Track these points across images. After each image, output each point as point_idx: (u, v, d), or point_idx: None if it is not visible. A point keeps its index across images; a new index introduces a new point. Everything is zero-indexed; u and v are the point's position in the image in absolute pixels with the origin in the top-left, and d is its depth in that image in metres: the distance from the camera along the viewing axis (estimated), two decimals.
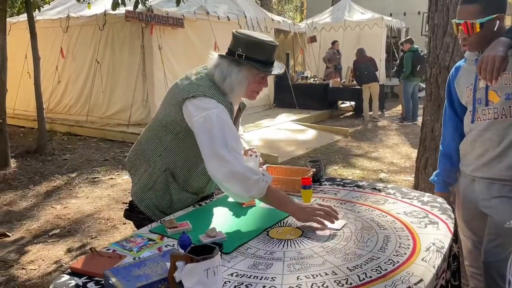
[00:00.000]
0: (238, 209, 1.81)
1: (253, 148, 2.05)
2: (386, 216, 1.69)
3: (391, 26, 12.95)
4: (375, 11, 13.31)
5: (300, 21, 17.55)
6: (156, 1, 7.72)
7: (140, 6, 5.66)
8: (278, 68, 1.79)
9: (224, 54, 1.76)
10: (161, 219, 1.63)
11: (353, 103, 9.87)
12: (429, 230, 1.56)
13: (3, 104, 5.01)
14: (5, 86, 5.09)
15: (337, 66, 10.65)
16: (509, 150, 1.72)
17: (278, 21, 10.32)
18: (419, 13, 15.05)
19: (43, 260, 2.99)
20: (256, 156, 1.95)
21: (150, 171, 1.80)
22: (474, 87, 1.75)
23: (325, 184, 2.12)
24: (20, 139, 6.84)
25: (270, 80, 10.05)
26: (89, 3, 6.77)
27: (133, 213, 1.89)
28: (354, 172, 5.31)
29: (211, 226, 1.55)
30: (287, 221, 1.66)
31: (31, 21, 5.82)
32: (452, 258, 1.67)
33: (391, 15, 14.20)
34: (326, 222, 1.60)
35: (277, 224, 1.63)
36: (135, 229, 1.87)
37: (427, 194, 1.94)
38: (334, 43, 10.68)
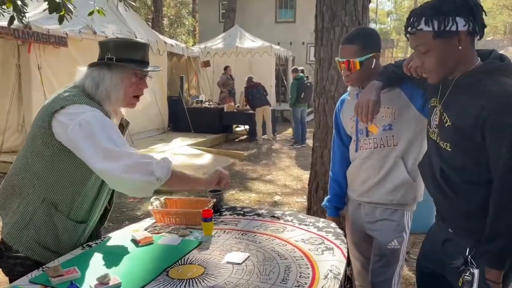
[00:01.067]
0: (134, 248, 1.68)
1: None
2: (286, 245, 1.71)
3: (279, 55, 13.71)
4: (264, 39, 14.00)
5: (193, 45, 17.65)
6: (35, 17, 7.10)
7: (16, 22, 5.15)
8: (154, 68, 1.73)
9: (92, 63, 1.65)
10: (43, 267, 1.43)
11: (247, 127, 10.13)
12: (326, 256, 1.62)
13: None
14: None
15: (231, 90, 10.88)
16: (388, 176, 1.89)
17: (171, 44, 10.22)
18: (303, 43, 16.20)
19: None
20: None
21: (25, 205, 1.59)
22: (356, 119, 1.91)
23: (225, 214, 2.10)
24: None
25: (164, 103, 9.87)
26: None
27: (1, 258, 1.63)
28: (250, 196, 5.40)
29: (103, 271, 1.41)
30: (188, 258, 1.59)
31: None
32: (346, 281, 1.76)
33: (279, 44, 15.05)
34: (227, 256, 1.58)
35: (177, 263, 1.55)
36: (5, 279, 1.62)
37: (321, 219, 2.03)
38: (226, 68, 10.93)
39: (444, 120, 1.43)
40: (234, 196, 5.34)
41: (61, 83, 7.31)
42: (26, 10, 5.46)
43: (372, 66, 1.83)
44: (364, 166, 1.95)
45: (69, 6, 5.22)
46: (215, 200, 2.08)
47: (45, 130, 1.54)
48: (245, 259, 1.57)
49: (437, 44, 1.33)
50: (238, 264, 1.54)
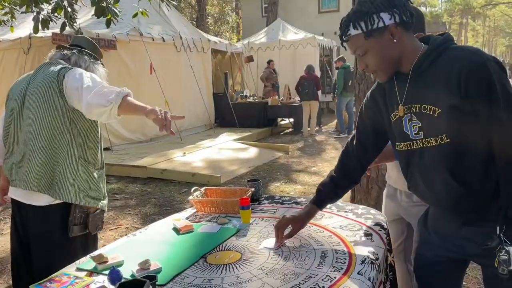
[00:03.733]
0: (175, 236, 1.74)
1: None
2: (323, 232, 1.70)
3: (323, 45, 13.51)
4: (307, 31, 13.84)
5: (237, 42, 17.81)
6: (86, 23, 7.48)
7: (67, 28, 5.45)
8: None
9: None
10: (90, 255, 1.53)
11: (292, 120, 10.09)
12: (364, 242, 1.59)
13: None
14: None
15: (274, 84, 10.87)
16: None
17: (214, 42, 10.38)
18: None
19: None
20: None
21: (67, 170, 1.89)
22: None
23: (264, 203, 2.12)
24: None
25: (210, 100, 10.06)
26: (12, 26, 6.40)
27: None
28: (295, 187, 5.39)
29: (145, 257, 1.48)
30: (226, 245, 1.62)
31: None
32: (389, 269, 1.72)
33: (322, 34, 14.82)
34: (264, 242, 1.60)
35: (215, 249, 1.59)
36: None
37: (361, 206, 1.99)
38: (269, 62, 10.93)
39: (426, 114, 1.33)
40: (279, 188, 5.35)
41: (111, 84, 7.66)
42: (76, 16, 5.78)
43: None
44: None
45: (115, 10, 5.46)
46: (253, 189, 2.11)
47: (59, 97, 1.89)
48: (281, 245, 1.58)
49: (372, 43, 1.34)
50: (275, 249, 1.55)
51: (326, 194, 1.69)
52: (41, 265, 1.85)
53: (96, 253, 1.53)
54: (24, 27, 7.44)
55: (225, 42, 11.22)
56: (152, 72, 8.01)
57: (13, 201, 1.97)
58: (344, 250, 1.52)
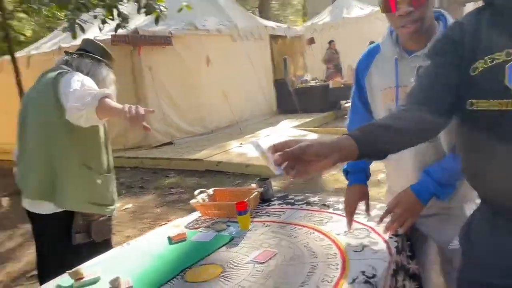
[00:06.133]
0: (164, 246, 1.64)
1: None
2: (323, 239, 1.49)
3: None
4: (375, 4, 12.98)
5: (302, 24, 17.34)
6: (144, 22, 7.70)
7: (121, 29, 5.63)
8: None
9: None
10: (68, 271, 1.48)
11: None
12: (365, 254, 1.35)
13: None
14: None
15: (337, 65, 10.39)
16: None
17: (272, 27, 10.16)
18: None
19: None
20: None
21: (68, 177, 1.88)
22: (397, 88, 1.40)
23: (274, 204, 1.94)
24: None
25: (270, 87, 9.91)
26: (74, 32, 6.79)
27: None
28: None
29: (123, 273, 1.40)
30: (212, 257, 1.48)
31: (12, 58, 5.85)
32: (412, 279, 1.46)
33: None
34: (252, 254, 1.43)
35: (197, 263, 1.45)
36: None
37: (378, 206, 1.72)
38: (330, 42, 10.46)
39: None
40: (334, 177, 5.07)
41: (169, 80, 7.85)
42: (128, 16, 5.95)
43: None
44: (417, 151, 1.39)
45: (161, 7, 5.51)
46: (261, 189, 1.93)
47: (54, 103, 1.86)
48: (270, 258, 1.40)
49: None
50: (261, 263, 1.38)
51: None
52: (48, 272, 1.86)
53: (74, 269, 1.48)
54: (88, 32, 7.86)
55: (283, 26, 10.94)
56: (209, 64, 8.06)
57: (26, 210, 2.01)
58: (337, 265, 1.30)
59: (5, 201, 5.30)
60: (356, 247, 1.40)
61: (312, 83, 10.16)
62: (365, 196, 1.60)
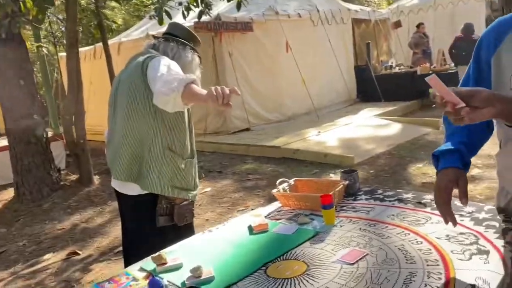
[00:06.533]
0: (245, 236, 1.58)
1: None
2: (421, 243, 1.33)
3: None
4: None
5: (387, 6, 16.44)
6: (225, 9, 7.76)
7: (204, 16, 5.72)
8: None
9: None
10: (152, 255, 1.48)
11: None
12: (474, 264, 1.18)
13: (83, 125, 5.38)
14: (83, 108, 5.47)
15: (426, 50, 9.68)
16: None
17: (355, 10, 9.72)
18: None
19: (102, 279, 3.06)
20: None
21: (154, 161, 1.89)
22: None
23: (361, 199, 1.79)
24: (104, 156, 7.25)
25: (350, 74, 9.53)
26: (161, 19, 7.03)
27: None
28: None
29: (204, 261, 1.36)
30: (295, 252, 1.39)
31: (105, 44, 6.20)
32: None
33: None
34: (340, 252, 1.32)
35: (280, 258, 1.37)
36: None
37: (487, 207, 1.51)
38: (419, 25, 9.73)
39: None
40: (420, 170, 4.72)
41: (250, 66, 7.86)
42: (211, 3, 6.01)
43: None
44: None
45: None
46: (346, 182, 1.80)
47: (143, 89, 1.86)
48: (359, 259, 1.28)
49: None
50: (350, 263, 1.26)
51: None
52: (133, 252, 1.91)
53: (157, 253, 1.47)
54: (174, 19, 8.12)
55: (367, 9, 10.42)
56: (289, 50, 7.92)
57: (114, 190, 2.08)
58: (440, 274, 1.14)
59: (97, 179, 5.68)
60: (462, 255, 1.22)
61: (397, 69, 9.58)
62: (461, 181, 1.19)
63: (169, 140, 1.94)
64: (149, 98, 1.87)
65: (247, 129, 7.61)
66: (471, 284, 1.07)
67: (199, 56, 2.11)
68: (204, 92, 1.60)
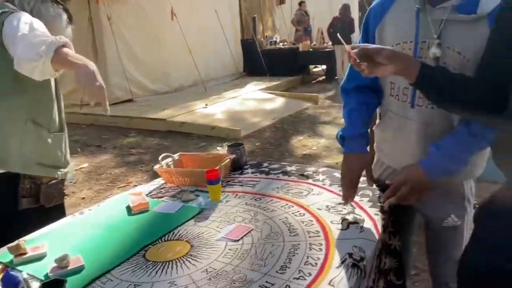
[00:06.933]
0: (122, 218, 1.44)
1: None
2: (304, 215, 1.35)
3: None
4: None
5: None
6: None
7: None
8: None
9: None
10: (8, 245, 1.26)
11: (324, 66, 9.43)
12: (350, 232, 1.22)
13: None
14: None
15: (306, 28, 10.15)
16: None
17: None
18: None
19: None
20: None
21: (15, 134, 1.61)
22: (416, 47, 1.18)
23: (247, 172, 1.77)
24: None
25: (237, 47, 9.55)
26: None
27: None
28: (319, 141, 4.98)
29: (67, 249, 1.20)
30: (178, 232, 1.31)
31: None
32: (392, 256, 1.35)
33: None
34: (224, 229, 1.27)
35: (162, 239, 1.28)
36: None
37: (364, 179, 1.59)
38: (301, 3, 10.14)
39: None
40: (301, 142, 4.96)
41: (131, 33, 7.33)
42: None
43: None
44: (422, 133, 1.24)
45: None
46: (233, 156, 1.75)
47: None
48: (244, 235, 1.25)
49: None
50: (235, 240, 1.22)
51: None
52: None
53: (14, 242, 1.26)
54: None
55: None
56: (173, 17, 7.58)
57: None
58: (321, 244, 1.17)
59: None
60: (340, 225, 1.26)
61: (281, 45, 9.89)
62: (367, 165, 1.40)
63: (31, 110, 1.66)
64: (6, 60, 1.57)
65: (130, 100, 7.18)
66: (348, 253, 1.11)
67: (66, 11, 1.82)
68: (80, 59, 1.39)
